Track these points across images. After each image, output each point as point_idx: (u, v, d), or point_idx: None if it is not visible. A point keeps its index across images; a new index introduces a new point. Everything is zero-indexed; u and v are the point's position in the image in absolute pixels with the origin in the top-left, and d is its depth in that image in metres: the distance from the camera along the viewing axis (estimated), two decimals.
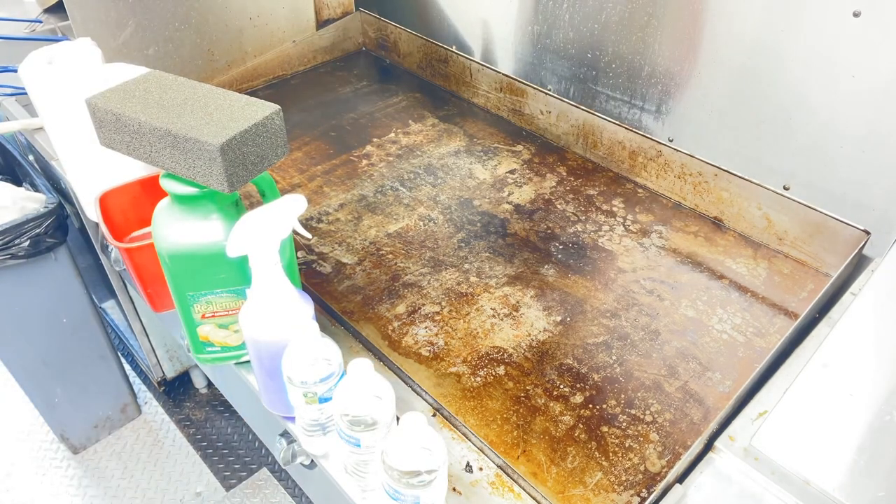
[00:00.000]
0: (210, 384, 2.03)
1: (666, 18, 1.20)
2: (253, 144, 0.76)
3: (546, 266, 1.14)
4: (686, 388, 0.94)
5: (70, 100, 1.03)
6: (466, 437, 0.86)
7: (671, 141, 1.28)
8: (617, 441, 0.87)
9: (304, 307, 0.79)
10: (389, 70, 1.75)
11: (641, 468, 0.84)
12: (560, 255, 1.16)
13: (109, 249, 1.33)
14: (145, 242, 0.95)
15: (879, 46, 0.96)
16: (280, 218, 0.75)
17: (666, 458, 0.85)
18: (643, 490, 0.81)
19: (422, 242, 1.18)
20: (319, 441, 0.81)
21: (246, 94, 1.48)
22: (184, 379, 2.02)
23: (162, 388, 2.01)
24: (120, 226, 1.10)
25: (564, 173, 1.36)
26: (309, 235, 0.84)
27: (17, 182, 1.61)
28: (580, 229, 1.22)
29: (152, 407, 1.97)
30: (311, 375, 0.74)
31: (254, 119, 0.75)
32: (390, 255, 1.15)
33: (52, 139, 1.12)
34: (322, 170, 1.37)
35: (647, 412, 0.90)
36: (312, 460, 0.87)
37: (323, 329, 1.02)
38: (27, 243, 1.38)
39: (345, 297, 1.07)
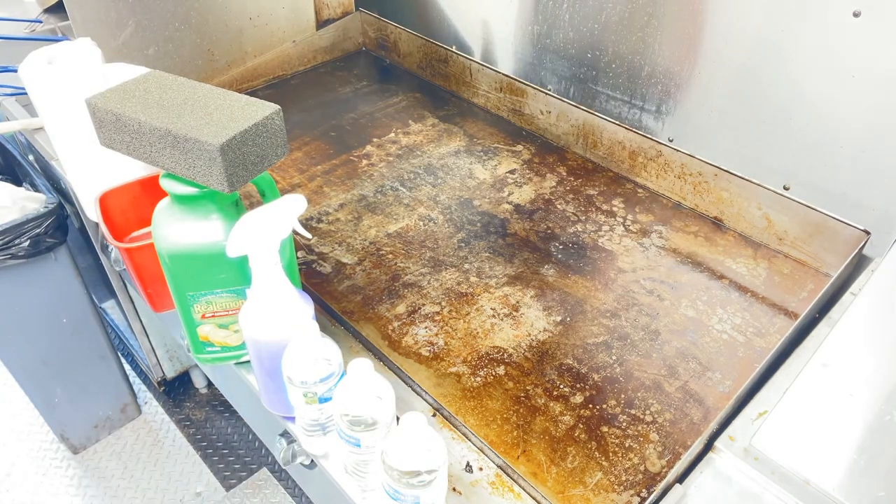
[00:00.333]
0: (210, 384, 2.03)
1: (666, 18, 1.20)
2: (253, 144, 0.75)
3: (546, 266, 1.14)
4: (686, 388, 0.94)
5: (70, 99, 1.03)
6: (466, 437, 0.86)
7: (671, 141, 1.28)
8: (617, 441, 0.87)
9: (304, 307, 0.79)
10: (389, 70, 1.75)
11: (641, 468, 0.84)
12: (560, 255, 1.16)
13: (109, 249, 1.34)
14: (145, 242, 0.95)
15: (879, 46, 0.96)
16: (280, 218, 0.75)
17: (666, 458, 0.85)
18: (643, 490, 0.81)
19: (422, 242, 1.18)
20: (319, 441, 0.81)
21: (246, 94, 1.48)
22: (184, 379, 2.02)
23: (162, 388, 2.01)
24: (120, 226, 1.10)
25: (564, 173, 1.36)
26: (309, 235, 0.84)
27: (17, 182, 1.61)
28: (580, 229, 1.22)
29: (152, 407, 1.97)
30: (311, 375, 0.74)
31: (254, 119, 0.75)
32: (390, 255, 1.15)
33: (52, 139, 1.12)
34: (322, 170, 1.37)
35: (647, 412, 0.90)
36: (312, 460, 0.87)
37: (323, 329, 1.02)
38: (27, 243, 1.38)
39: (345, 297, 1.07)
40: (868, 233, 1.04)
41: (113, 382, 1.80)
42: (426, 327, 1.02)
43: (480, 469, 0.83)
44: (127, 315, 1.73)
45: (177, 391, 2.02)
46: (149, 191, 1.10)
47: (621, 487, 0.81)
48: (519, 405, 0.91)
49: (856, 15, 0.96)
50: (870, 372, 0.78)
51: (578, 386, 0.94)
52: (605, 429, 0.88)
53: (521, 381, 0.94)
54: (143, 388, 2.02)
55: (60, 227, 1.43)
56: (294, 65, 1.70)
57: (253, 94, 1.61)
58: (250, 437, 1.90)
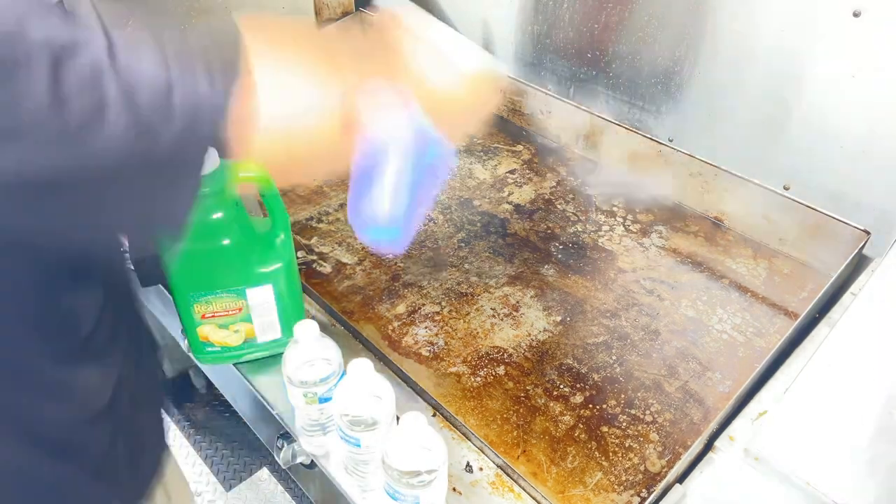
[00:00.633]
0: (210, 384, 2.03)
1: (666, 18, 1.20)
2: None
3: (546, 266, 1.14)
4: (686, 388, 0.94)
5: None
6: (466, 437, 0.86)
7: (671, 141, 1.28)
8: (617, 441, 0.87)
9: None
10: None
11: (641, 468, 0.84)
12: (560, 255, 1.16)
13: None
14: None
15: (879, 46, 0.96)
16: None
17: (666, 458, 0.85)
18: (643, 490, 0.81)
19: (422, 242, 1.18)
20: (319, 441, 0.81)
21: None
22: (184, 379, 2.02)
23: None
24: None
25: (564, 173, 1.36)
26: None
27: None
28: (580, 229, 1.22)
29: None
30: (310, 375, 0.74)
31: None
32: (390, 255, 1.15)
33: None
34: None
35: (647, 412, 0.90)
36: (312, 460, 0.87)
37: (323, 329, 1.02)
38: None
39: (345, 297, 1.07)
40: (868, 233, 1.04)
41: None
42: (426, 327, 1.02)
43: (480, 469, 0.83)
44: None
45: (177, 391, 2.02)
46: None
47: (621, 487, 0.82)
48: (519, 405, 0.91)
49: (856, 15, 0.96)
50: (870, 372, 0.78)
51: (578, 386, 0.94)
52: (605, 429, 0.88)
53: (521, 381, 0.94)
54: None
55: None
56: None
57: None
58: (250, 437, 1.89)
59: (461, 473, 0.82)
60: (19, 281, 0.50)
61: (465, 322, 1.03)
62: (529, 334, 1.01)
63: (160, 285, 0.97)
